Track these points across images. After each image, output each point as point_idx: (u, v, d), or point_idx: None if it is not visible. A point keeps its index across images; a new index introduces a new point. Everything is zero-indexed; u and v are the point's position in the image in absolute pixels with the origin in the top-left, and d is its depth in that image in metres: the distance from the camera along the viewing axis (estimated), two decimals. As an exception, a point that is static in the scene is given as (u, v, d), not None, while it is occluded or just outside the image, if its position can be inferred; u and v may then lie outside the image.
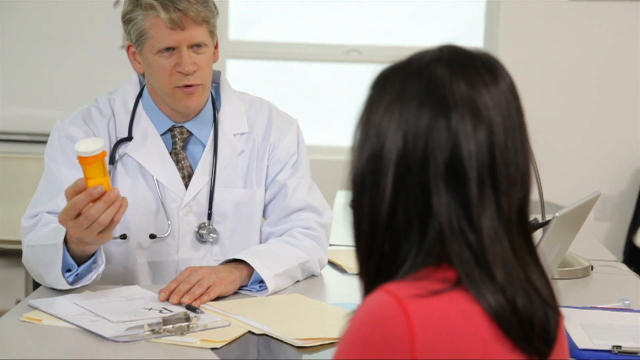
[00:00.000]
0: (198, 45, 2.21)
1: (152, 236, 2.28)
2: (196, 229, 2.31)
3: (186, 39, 2.19)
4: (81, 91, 4.86)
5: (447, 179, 1.13)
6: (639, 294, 2.26)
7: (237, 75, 4.93)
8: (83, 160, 1.88)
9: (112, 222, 1.91)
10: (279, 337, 1.86)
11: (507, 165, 1.14)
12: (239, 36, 4.97)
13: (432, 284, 1.12)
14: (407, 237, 1.14)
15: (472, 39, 4.97)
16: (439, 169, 1.13)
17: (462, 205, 1.13)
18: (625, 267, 2.58)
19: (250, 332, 1.89)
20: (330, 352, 1.81)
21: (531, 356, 1.14)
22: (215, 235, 2.31)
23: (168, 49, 2.20)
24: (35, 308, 1.98)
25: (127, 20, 2.23)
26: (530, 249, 1.17)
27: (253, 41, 4.97)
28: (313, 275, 2.33)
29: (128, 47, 2.28)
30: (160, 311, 1.97)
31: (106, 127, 2.29)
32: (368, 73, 4.99)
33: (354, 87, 5.10)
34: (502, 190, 1.14)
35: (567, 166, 4.80)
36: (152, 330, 1.83)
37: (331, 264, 2.44)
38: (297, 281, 2.28)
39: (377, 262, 1.17)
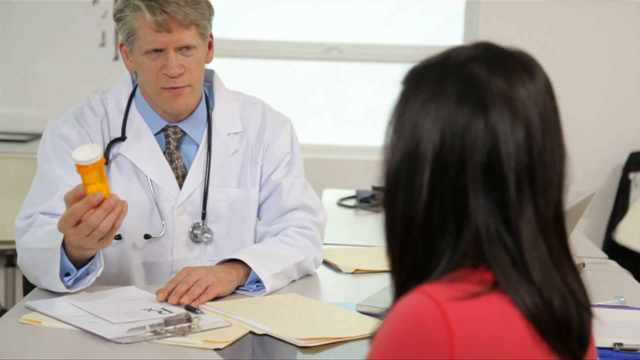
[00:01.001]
0: (187, 48, 2.20)
1: (147, 236, 2.27)
2: (190, 229, 2.30)
3: (173, 42, 2.17)
4: (61, 90, 4.83)
5: (484, 180, 1.12)
6: (632, 291, 2.28)
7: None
8: (81, 168, 1.86)
9: (112, 229, 1.90)
10: (281, 337, 1.85)
11: (545, 167, 1.14)
12: (218, 34, 4.93)
13: (469, 286, 1.11)
14: (443, 237, 1.13)
15: (451, 37, 4.99)
16: (477, 171, 1.11)
17: (499, 208, 1.12)
18: (615, 264, 2.60)
19: (251, 333, 1.89)
20: (332, 352, 1.82)
21: (567, 358, 1.14)
22: (209, 235, 2.30)
23: (156, 50, 2.18)
24: (32, 310, 1.97)
25: (117, 19, 2.22)
26: (566, 251, 1.17)
27: (233, 39, 4.95)
28: (308, 275, 2.33)
29: (121, 45, 2.26)
30: (160, 312, 1.96)
31: (99, 127, 2.27)
32: (348, 71, 5.00)
33: (334, 85, 5.10)
34: (539, 193, 1.13)
35: (547, 163, 4.82)
36: (154, 331, 1.82)
37: (325, 263, 2.44)
38: (293, 280, 2.27)
39: (410, 262, 1.15)
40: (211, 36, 2.28)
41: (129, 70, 2.30)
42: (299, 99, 5.07)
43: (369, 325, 1.92)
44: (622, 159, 4.82)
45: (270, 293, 2.15)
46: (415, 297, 1.11)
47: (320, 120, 5.08)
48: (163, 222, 2.27)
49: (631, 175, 4.77)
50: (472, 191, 1.12)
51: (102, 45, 4.93)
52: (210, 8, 2.26)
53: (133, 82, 2.34)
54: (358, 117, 5.13)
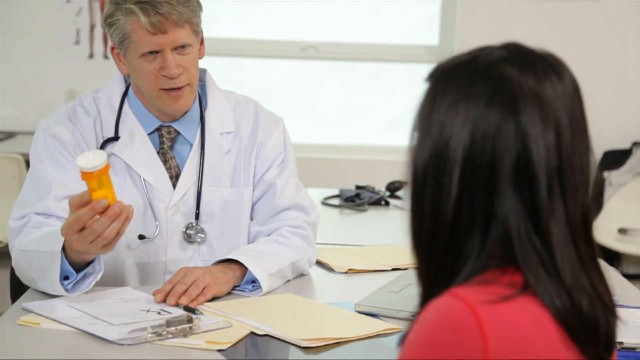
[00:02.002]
0: (182, 47, 2.19)
1: (141, 237, 2.25)
2: (184, 229, 2.29)
3: (169, 42, 2.16)
4: (35, 88, 4.78)
5: (514, 181, 1.12)
6: (622, 289, 2.29)
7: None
8: (86, 175, 1.84)
9: (117, 235, 1.89)
10: (283, 338, 1.85)
11: (573, 169, 1.15)
12: (195, 32, 4.93)
13: (500, 289, 1.11)
14: (470, 237, 1.14)
15: (427, 36, 5.01)
16: (507, 172, 1.12)
17: (529, 209, 1.13)
18: (603, 262, 2.61)
19: (252, 333, 1.88)
20: (335, 353, 1.82)
21: None
22: (203, 235, 2.29)
23: (152, 52, 2.17)
24: (29, 311, 1.95)
25: (108, 23, 2.19)
26: (593, 254, 1.18)
27: (209, 38, 4.91)
28: (302, 275, 2.33)
29: (112, 49, 2.24)
30: (159, 312, 1.95)
31: (92, 127, 2.25)
32: (325, 70, 5.00)
33: (311, 84, 5.10)
34: (569, 195, 1.14)
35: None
36: (156, 333, 1.81)
37: (318, 263, 2.43)
38: (287, 280, 2.27)
39: (438, 262, 1.16)
40: (201, 32, 2.27)
41: (122, 73, 2.28)
42: (275, 98, 5.06)
43: (369, 325, 1.93)
44: (596, 157, 4.86)
45: (266, 293, 2.15)
46: (447, 300, 1.11)
47: (298, 119, 5.07)
48: (157, 223, 2.26)
49: (605, 174, 4.82)
50: (503, 192, 1.12)
51: (77, 42, 4.90)
52: (199, 4, 2.25)
53: (125, 81, 2.32)
54: (335, 116, 5.14)
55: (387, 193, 3.47)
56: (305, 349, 1.82)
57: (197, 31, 2.22)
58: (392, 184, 3.50)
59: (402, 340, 1.20)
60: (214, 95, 2.36)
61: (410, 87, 5.07)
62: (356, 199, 3.31)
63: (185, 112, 2.29)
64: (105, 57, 4.89)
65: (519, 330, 1.10)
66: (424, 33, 5.02)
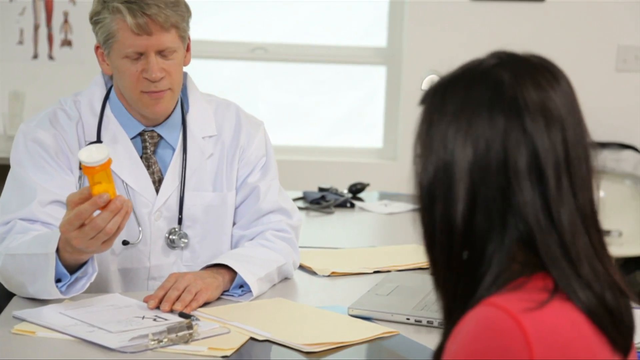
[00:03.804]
0: (167, 51, 2.16)
1: (125, 242, 2.23)
2: (167, 235, 2.27)
3: (153, 45, 2.14)
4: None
5: (526, 177, 1.15)
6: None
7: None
8: (88, 169, 1.82)
9: (117, 231, 1.86)
10: (284, 343, 1.85)
11: (579, 161, 1.18)
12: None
13: (534, 294, 1.13)
14: (490, 240, 1.16)
15: (376, 38, 5.04)
16: (520, 169, 1.15)
17: (542, 203, 1.15)
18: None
19: (251, 339, 1.87)
20: (337, 356, 1.82)
21: (623, 353, 1.18)
22: (186, 240, 2.28)
23: (135, 53, 2.14)
24: (22, 320, 1.91)
25: (94, 21, 2.17)
26: (603, 243, 1.21)
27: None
28: (286, 278, 2.33)
29: (97, 48, 2.21)
30: (155, 319, 1.93)
31: (74, 130, 2.22)
32: (274, 71, 4.99)
33: (259, 85, 5.09)
34: (577, 185, 1.17)
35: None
36: (157, 340, 1.79)
37: (300, 266, 2.43)
38: (274, 284, 2.27)
39: (458, 271, 1.18)
40: (189, 38, 2.25)
41: (105, 73, 2.25)
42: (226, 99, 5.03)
43: (367, 329, 1.94)
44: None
45: (255, 297, 2.14)
46: (488, 310, 1.13)
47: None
48: (140, 228, 2.24)
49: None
50: (518, 189, 1.15)
51: (20, 43, 4.80)
52: (188, 10, 2.23)
53: (105, 84, 2.29)
54: (284, 118, 5.13)
55: (350, 195, 3.48)
56: (307, 353, 1.82)
57: (183, 36, 2.20)
58: (354, 185, 3.51)
59: (437, 354, 1.21)
60: (195, 99, 2.34)
61: (358, 88, 5.10)
62: (322, 201, 3.31)
63: (168, 116, 2.27)
64: (50, 57, 4.81)
65: (561, 335, 1.12)
66: (372, 35, 5.04)
